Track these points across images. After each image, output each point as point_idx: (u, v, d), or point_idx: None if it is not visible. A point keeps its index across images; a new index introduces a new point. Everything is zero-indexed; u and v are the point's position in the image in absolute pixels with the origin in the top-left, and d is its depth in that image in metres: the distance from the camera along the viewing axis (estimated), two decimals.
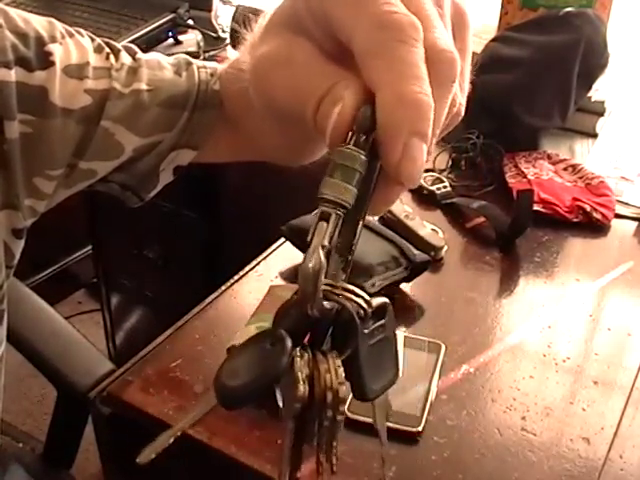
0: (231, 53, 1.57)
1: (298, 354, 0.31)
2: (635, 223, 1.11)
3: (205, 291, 0.95)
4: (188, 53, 1.29)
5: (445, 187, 1.13)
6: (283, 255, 1.01)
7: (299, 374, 0.30)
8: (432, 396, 0.78)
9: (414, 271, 0.94)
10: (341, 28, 0.33)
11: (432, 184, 1.14)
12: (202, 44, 1.55)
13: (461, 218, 1.11)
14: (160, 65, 0.59)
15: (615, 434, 0.76)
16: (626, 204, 1.14)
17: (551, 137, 1.30)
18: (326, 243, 0.30)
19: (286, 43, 0.36)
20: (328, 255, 0.31)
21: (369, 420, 0.80)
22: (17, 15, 0.53)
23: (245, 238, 1.41)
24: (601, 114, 1.34)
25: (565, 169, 1.21)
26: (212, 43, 1.59)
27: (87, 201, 1.70)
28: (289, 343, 0.30)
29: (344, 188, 0.31)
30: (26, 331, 1.07)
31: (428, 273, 0.96)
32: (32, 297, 1.15)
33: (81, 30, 0.57)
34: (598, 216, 1.09)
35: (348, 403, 0.41)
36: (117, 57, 0.57)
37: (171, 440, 0.33)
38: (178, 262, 1.63)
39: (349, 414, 0.70)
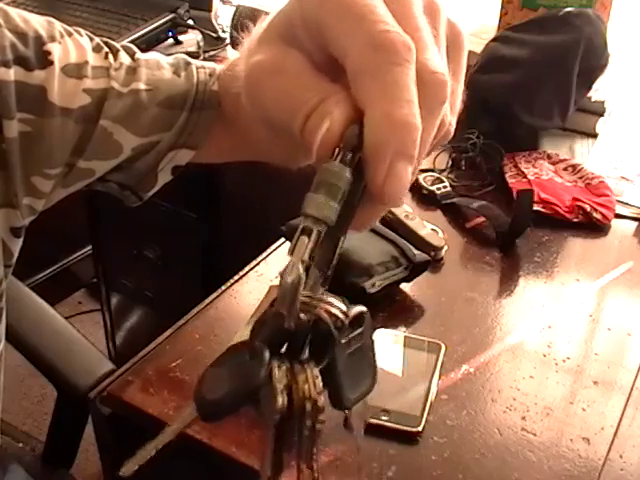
0: (231, 53, 1.57)
1: (276, 365, 0.31)
2: (635, 223, 1.11)
3: (205, 291, 0.95)
4: (188, 53, 1.29)
5: (445, 187, 1.13)
6: (283, 255, 1.01)
7: (277, 385, 0.31)
8: (432, 396, 0.78)
9: (414, 271, 0.94)
10: (335, 44, 0.33)
11: (432, 184, 1.14)
12: (202, 44, 1.55)
13: (461, 218, 1.11)
14: (159, 65, 0.59)
15: (615, 434, 0.76)
16: (626, 204, 1.14)
17: (551, 137, 1.30)
18: (306, 258, 0.31)
19: (279, 53, 0.36)
20: (307, 270, 0.31)
21: (369, 420, 0.80)
22: (16, 14, 0.53)
23: (245, 238, 1.41)
24: (601, 114, 1.34)
25: (565, 169, 1.21)
26: (212, 43, 1.59)
27: (87, 201, 1.70)
28: (267, 355, 0.31)
29: (327, 205, 0.31)
30: (26, 331, 1.07)
31: (428, 273, 0.96)
32: (32, 297, 1.15)
33: (80, 29, 0.57)
34: (598, 216, 1.09)
35: None
36: (116, 57, 0.57)
37: (153, 452, 0.33)
38: (178, 262, 1.63)
39: None
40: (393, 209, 1.02)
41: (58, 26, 0.56)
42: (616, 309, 0.96)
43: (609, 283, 0.99)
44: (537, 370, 0.84)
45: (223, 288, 0.95)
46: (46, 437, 1.16)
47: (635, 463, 0.73)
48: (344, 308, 0.33)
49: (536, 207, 1.08)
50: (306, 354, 0.32)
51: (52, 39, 0.54)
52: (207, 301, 0.93)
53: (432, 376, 0.81)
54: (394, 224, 1.01)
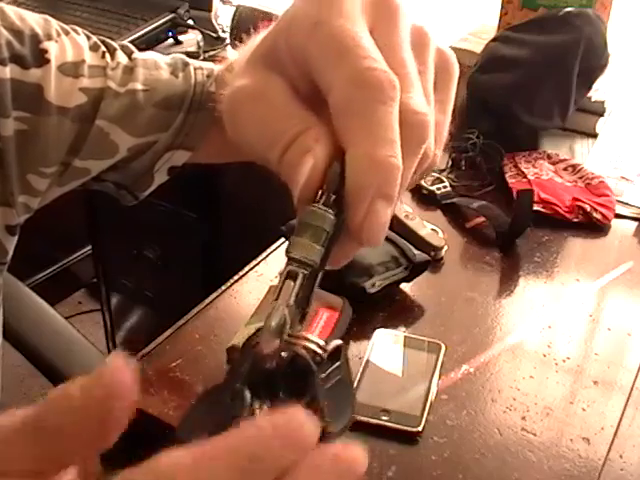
0: (231, 53, 1.57)
1: (257, 406, 0.31)
2: (635, 223, 1.11)
3: (205, 291, 0.95)
4: (188, 53, 1.29)
5: (445, 187, 1.13)
6: (283, 255, 1.01)
7: None
8: (432, 396, 0.78)
9: (414, 271, 0.94)
10: (320, 76, 0.33)
11: (432, 184, 1.14)
12: (202, 44, 1.55)
13: (461, 218, 1.10)
14: (156, 65, 0.59)
15: (615, 434, 0.76)
16: (626, 204, 1.14)
17: (551, 137, 1.30)
18: (292, 303, 0.31)
19: (261, 80, 0.35)
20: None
21: (369, 420, 0.80)
22: (13, 12, 0.53)
23: (245, 238, 1.41)
24: (601, 114, 1.34)
25: (565, 169, 1.21)
26: (212, 43, 1.59)
27: (87, 201, 1.70)
28: (248, 397, 0.31)
29: (312, 248, 0.32)
30: (26, 331, 1.07)
31: (428, 273, 0.96)
32: (32, 297, 1.15)
33: (77, 28, 0.57)
34: (598, 216, 1.09)
35: None
36: (113, 56, 0.57)
37: None
38: (178, 262, 1.63)
39: None
40: None
41: (55, 24, 0.56)
42: (616, 309, 0.96)
43: (609, 283, 0.99)
44: (537, 370, 0.84)
45: (223, 288, 0.95)
46: None
47: (635, 463, 0.73)
48: (322, 343, 0.33)
49: (536, 207, 1.08)
50: (286, 391, 0.32)
51: (49, 37, 0.54)
52: (207, 301, 0.92)
53: (432, 376, 0.80)
54: (394, 224, 1.01)
